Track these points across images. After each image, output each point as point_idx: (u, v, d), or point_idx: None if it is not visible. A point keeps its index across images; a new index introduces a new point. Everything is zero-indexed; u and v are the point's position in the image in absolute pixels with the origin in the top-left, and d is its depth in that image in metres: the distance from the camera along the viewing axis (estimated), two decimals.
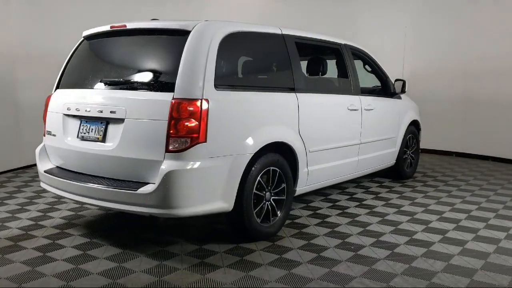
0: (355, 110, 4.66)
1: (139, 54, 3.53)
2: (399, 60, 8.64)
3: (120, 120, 3.25)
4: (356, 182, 5.70)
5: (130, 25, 3.50)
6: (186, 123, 3.04)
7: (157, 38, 3.44)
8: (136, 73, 3.44)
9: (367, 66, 5.47)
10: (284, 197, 3.80)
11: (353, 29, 8.78)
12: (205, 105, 3.10)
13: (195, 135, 3.06)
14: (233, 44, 3.48)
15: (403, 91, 5.49)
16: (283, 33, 3.97)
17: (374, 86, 5.75)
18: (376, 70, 5.44)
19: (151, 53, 3.46)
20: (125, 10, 7.24)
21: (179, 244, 3.54)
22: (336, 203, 4.70)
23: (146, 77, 3.33)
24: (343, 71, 4.81)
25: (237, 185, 3.34)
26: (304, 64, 4.59)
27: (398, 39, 8.63)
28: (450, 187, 5.58)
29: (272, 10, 9.08)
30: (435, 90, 8.28)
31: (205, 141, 3.10)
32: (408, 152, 6.03)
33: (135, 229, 3.89)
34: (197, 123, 3.06)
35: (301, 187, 4.08)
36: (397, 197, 5.02)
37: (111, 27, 3.59)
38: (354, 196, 5.04)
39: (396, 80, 5.49)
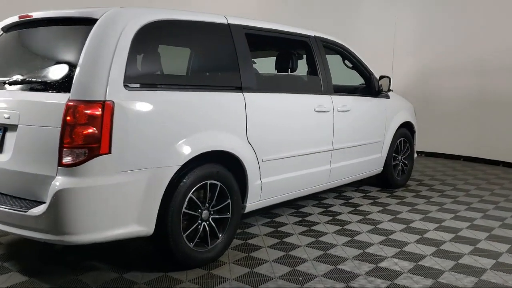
0: (325, 111, 4.04)
1: (43, 49, 3.03)
2: (401, 55, 7.93)
3: (14, 127, 2.74)
4: (338, 191, 5.07)
5: (37, 15, 2.98)
6: (83, 131, 2.50)
7: (62, 29, 2.92)
8: (37, 70, 2.92)
9: (347, 62, 4.83)
10: (229, 215, 3.23)
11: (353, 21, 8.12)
12: (108, 108, 2.55)
13: (94, 145, 2.52)
14: (156, 35, 2.92)
15: (388, 89, 4.82)
16: (229, 22, 3.38)
17: (361, 85, 5.09)
18: (357, 66, 4.80)
19: (53, 47, 2.95)
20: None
21: (98, 271, 3.00)
22: (305, 218, 4.09)
23: (46, 75, 2.80)
24: (312, 68, 4.20)
25: (158, 204, 2.79)
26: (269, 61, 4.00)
27: (402, 34, 7.92)
28: (444, 199, 4.89)
29: (268, 6, 8.50)
30: (446, 88, 7.55)
31: (109, 152, 2.55)
32: (400, 157, 5.36)
33: (55, 250, 3.37)
34: (98, 130, 2.51)
35: (254, 202, 3.49)
36: (378, 211, 4.38)
37: (19, 17, 3.09)
38: (329, 209, 4.42)
39: (381, 77, 4.84)
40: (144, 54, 2.87)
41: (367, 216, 4.20)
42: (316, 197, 4.78)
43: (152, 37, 2.89)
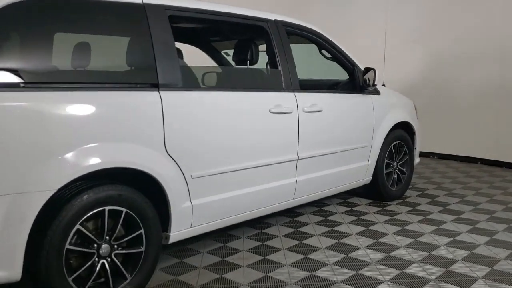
0: (285, 113, 3.28)
1: None
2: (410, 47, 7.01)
3: None
4: (318, 204, 4.29)
5: None
6: None
7: None
8: None
9: (324, 52, 4.03)
10: (142, 249, 2.53)
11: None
12: None
13: None
14: (20, 19, 2.22)
15: (373, 83, 3.98)
16: (144, 1, 2.66)
17: (345, 79, 4.28)
18: (337, 56, 3.99)
19: None
20: None
21: None
22: (268, 241, 3.34)
23: None
24: (271, 59, 3.44)
25: (24, 242, 2.12)
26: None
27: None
28: (445, 215, 4.04)
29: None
30: (460, 79, 6.59)
31: None
32: (395, 164, 4.52)
33: None
34: None
35: (182, 230, 2.78)
36: (359, 232, 3.58)
37: None
38: (300, 229, 3.65)
39: (365, 69, 4.01)
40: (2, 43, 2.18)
41: (342, 240, 3.41)
42: (289, 213, 4.01)
43: (16, 20, 2.20)
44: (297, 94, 3.40)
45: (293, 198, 3.49)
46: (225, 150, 2.91)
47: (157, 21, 2.67)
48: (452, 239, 3.45)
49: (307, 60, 4.42)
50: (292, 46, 4.00)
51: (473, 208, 4.26)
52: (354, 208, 4.24)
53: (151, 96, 2.56)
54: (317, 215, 4.03)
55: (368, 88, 4.02)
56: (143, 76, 2.59)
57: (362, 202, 4.47)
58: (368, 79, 3.99)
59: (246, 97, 3.08)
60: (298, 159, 3.41)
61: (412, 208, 4.27)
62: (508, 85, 6.08)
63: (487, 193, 4.84)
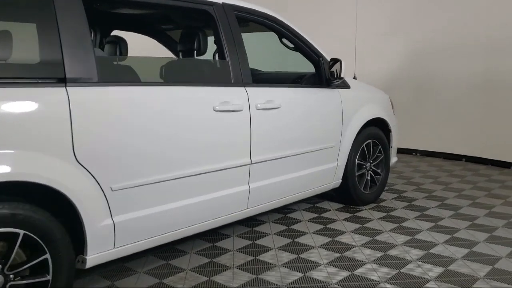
0: (234, 110, 2.84)
1: None
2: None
3: None
4: (287, 209, 3.87)
5: None
6: None
7: None
8: None
9: (285, 40, 3.59)
10: (49, 278, 2.10)
11: None
12: None
13: None
14: None
15: (339, 76, 3.55)
16: None
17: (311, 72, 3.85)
18: (300, 46, 3.56)
19: None
20: None
21: None
22: (217, 258, 2.91)
23: None
24: (218, 48, 3.00)
25: None
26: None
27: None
28: (422, 222, 3.64)
29: None
30: (444, 72, 6.17)
31: None
32: (368, 165, 4.11)
33: None
34: None
35: (103, 252, 2.34)
36: (322, 244, 3.17)
37: None
38: (258, 241, 3.23)
39: (332, 60, 3.58)
40: None
41: (302, 255, 2.99)
42: (244, 223, 3.59)
43: None
44: (249, 89, 2.96)
45: (247, 208, 3.07)
46: (155, 157, 2.47)
47: (65, 3, 2.21)
48: (426, 252, 3.05)
49: (268, 51, 3.98)
50: (250, 35, 3.58)
51: (453, 214, 3.86)
52: (322, 215, 3.83)
53: (55, 93, 2.12)
54: (280, 223, 3.61)
55: (335, 81, 3.59)
56: (46, 69, 2.14)
57: (333, 207, 4.06)
58: (336, 71, 3.56)
59: (183, 93, 2.63)
60: (251, 163, 2.98)
61: (386, 214, 3.87)
62: (495, 78, 5.69)
63: (470, 195, 4.45)
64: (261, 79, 4.01)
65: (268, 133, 3.09)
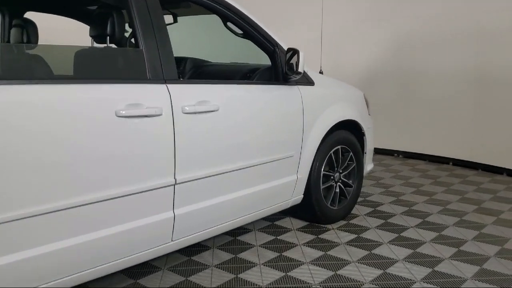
0: (149, 116, 2.15)
1: None
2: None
3: None
4: (242, 228, 3.21)
5: None
6: None
7: None
8: None
9: (231, 25, 2.90)
10: None
11: None
12: None
13: None
14: None
15: (296, 70, 2.87)
16: None
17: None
18: (249, 32, 2.86)
19: None
20: None
21: None
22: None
23: None
24: (133, 35, 2.30)
25: None
26: None
27: None
28: (399, 249, 3.00)
29: None
30: (430, 65, 5.53)
31: None
32: (336, 176, 3.46)
33: None
34: None
35: None
36: (273, 282, 2.51)
37: None
38: (192, 277, 2.57)
39: (288, 51, 2.90)
40: None
41: None
42: (180, 251, 2.93)
43: None
44: (172, 86, 2.28)
45: (172, 241, 2.39)
46: (27, 178, 1.78)
47: None
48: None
49: (230, 38, 3.26)
50: (190, 18, 2.89)
51: (436, 236, 3.23)
52: (280, 237, 3.18)
53: None
54: (226, 250, 2.95)
55: (294, 76, 2.91)
56: None
57: (295, 225, 3.41)
58: (296, 64, 2.88)
59: (73, 94, 1.93)
60: (176, 183, 2.30)
61: (356, 235, 3.23)
62: (488, 73, 5.04)
63: (456, 210, 3.82)
64: (206, 72, 3.33)
65: (201, 144, 2.41)
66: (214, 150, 2.49)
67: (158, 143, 2.21)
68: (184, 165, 2.32)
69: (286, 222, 3.48)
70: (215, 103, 2.46)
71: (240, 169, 2.66)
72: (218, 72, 3.38)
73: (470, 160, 5.28)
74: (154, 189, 2.21)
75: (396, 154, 5.97)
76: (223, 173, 2.55)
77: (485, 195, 4.24)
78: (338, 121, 3.33)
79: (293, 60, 2.88)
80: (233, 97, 2.61)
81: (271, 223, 3.45)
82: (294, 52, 2.84)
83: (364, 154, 3.73)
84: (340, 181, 3.50)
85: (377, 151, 5.94)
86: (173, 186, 2.30)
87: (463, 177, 4.90)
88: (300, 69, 2.82)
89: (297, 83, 3.04)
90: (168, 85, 2.26)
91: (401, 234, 3.25)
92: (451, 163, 5.48)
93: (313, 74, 3.25)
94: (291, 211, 3.50)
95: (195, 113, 2.35)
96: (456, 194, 4.27)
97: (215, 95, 2.49)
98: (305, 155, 3.12)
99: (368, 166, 3.84)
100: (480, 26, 5.04)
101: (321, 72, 3.94)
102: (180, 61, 3.45)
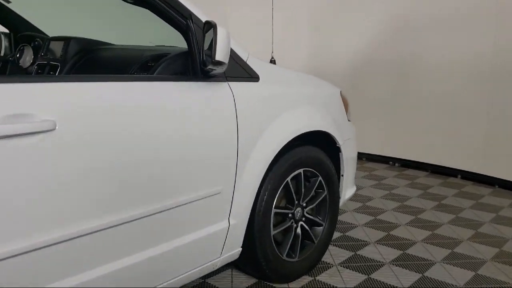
0: None
1: None
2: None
3: None
4: None
5: None
6: None
7: None
8: None
9: None
10: None
11: None
12: None
13: None
14: None
15: (213, 57, 1.74)
16: None
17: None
18: (150, 2, 1.74)
19: None
20: None
21: None
22: None
23: None
24: None
25: None
26: None
27: None
28: None
29: None
30: (431, 54, 4.43)
31: None
32: (298, 212, 2.38)
33: None
34: None
35: None
36: None
37: None
38: None
39: (205, 24, 1.77)
40: None
41: None
42: None
43: None
44: None
45: None
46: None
47: None
48: None
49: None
50: None
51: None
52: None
53: None
54: None
55: (216, 67, 1.78)
56: None
57: (236, 283, 2.34)
58: (214, 47, 1.75)
59: None
60: None
61: None
62: (508, 63, 3.93)
63: (442, 240, 2.74)
64: (95, 60, 2.24)
65: (10, 197, 1.31)
66: (54, 198, 1.40)
67: None
68: None
69: (224, 278, 2.41)
70: (47, 118, 1.36)
71: (114, 226, 1.57)
72: (110, 60, 2.27)
73: (484, 174, 4.18)
74: None
75: (391, 163, 4.87)
76: (78, 237, 1.47)
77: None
78: (298, 133, 2.23)
79: (219, 45, 1.76)
80: (89, 107, 1.50)
81: (202, 280, 2.38)
82: (210, 27, 1.73)
83: (341, 177, 2.64)
84: (303, 219, 2.42)
85: (369, 158, 4.86)
86: None
87: (475, 198, 3.81)
88: (218, 57, 1.71)
89: (227, 78, 1.94)
90: None
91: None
92: (459, 176, 4.39)
93: (258, 65, 2.14)
94: (234, 265, 2.41)
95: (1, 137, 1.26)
96: (469, 227, 3.17)
97: (49, 103, 1.39)
98: (243, 189, 2.03)
99: (348, 191, 2.77)
100: (501, 2, 3.92)
101: (272, 61, 2.81)
102: (61, 42, 2.37)
